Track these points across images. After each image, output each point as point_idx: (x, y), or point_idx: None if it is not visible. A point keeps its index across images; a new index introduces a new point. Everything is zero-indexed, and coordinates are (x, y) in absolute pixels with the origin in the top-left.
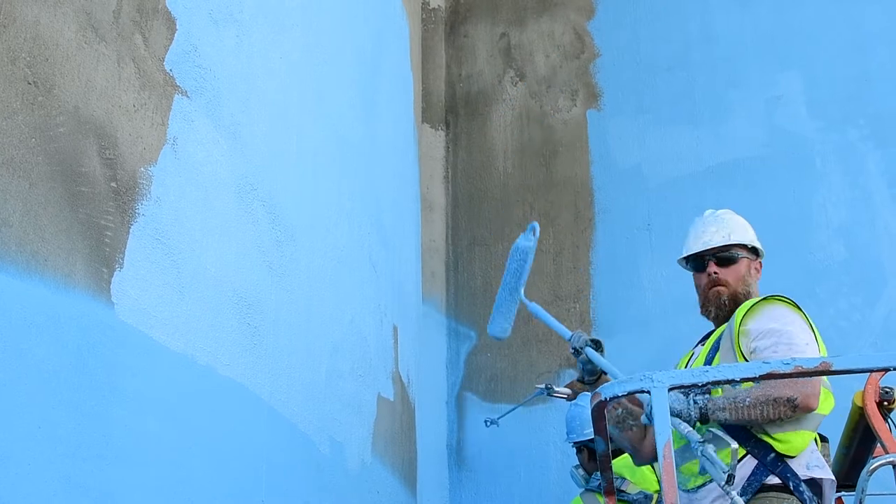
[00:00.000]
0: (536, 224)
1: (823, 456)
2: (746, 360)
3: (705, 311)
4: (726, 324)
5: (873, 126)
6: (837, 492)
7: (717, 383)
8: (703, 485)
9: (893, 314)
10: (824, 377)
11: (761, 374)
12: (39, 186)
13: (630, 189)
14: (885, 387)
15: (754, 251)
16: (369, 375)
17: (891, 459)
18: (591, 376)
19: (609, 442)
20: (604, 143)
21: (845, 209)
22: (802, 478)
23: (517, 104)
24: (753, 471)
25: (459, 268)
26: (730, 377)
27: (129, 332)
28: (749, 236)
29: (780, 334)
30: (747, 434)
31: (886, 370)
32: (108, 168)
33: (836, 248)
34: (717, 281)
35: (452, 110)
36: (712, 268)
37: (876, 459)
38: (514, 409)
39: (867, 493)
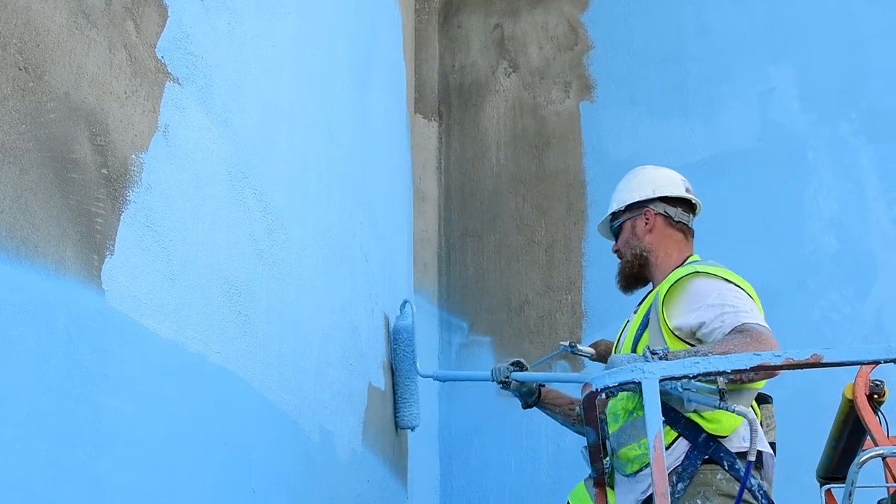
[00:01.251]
0: (408, 300)
1: (767, 418)
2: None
3: (619, 286)
4: (654, 293)
5: (866, 120)
6: (826, 483)
7: (707, 374)
8: (640, 470)
9: (885, 307)
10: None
11: (752, 365)
12: (30, 173)
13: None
14: (876, 380)
15: (641, 203)
16: (360, 364)
17: (880, 452)
18: (531, 396)
19: (599, 432)
20: (597, 134)
21: (837, 202)
22: (736, 451)
23: (510, 95)
24: (686, 454)
25: (452, 259)
26: (721, 368)
27: (119, 319)
28: (626, 195)
29: (723, 302)
30: (676, 415)
31: (877, 363)
32: (100, 155)
33: (828, 241)
34: (618, 255)
35: (445, 101)
36: (614, 245)
37: (866, 452)
38: (539, 363)
39: (857, 485)
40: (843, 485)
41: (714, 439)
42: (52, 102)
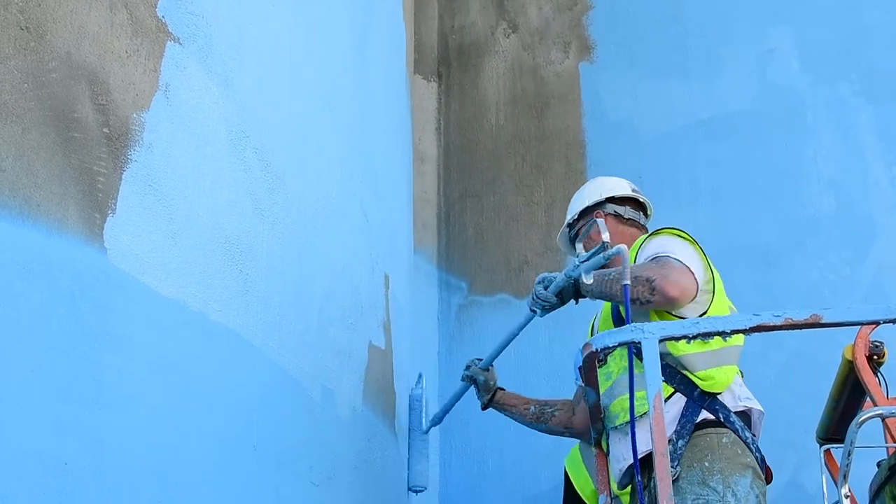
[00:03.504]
0: (422, 374)
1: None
2: None
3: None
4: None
5: (865, 81)
6: (826, 444)
7: (707, 335)
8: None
9: (883, 269)
10: (712, 286)
11: (751, 325)
12: (32, 132)
13: (621, 142)
14: (875, 341)
15: (591, 208)
16: (361, 324)
17: (879, 412)
18: (487, 393)
19: (599, 393)
20: (596, 95)
21: (836, 164)
22: (733, 409)
23: (509, 56)
24: (684, 409)
25: (451, 219)
26: (720, 329)
27: (121, 277)
28: (577, 205)
29: (660, 249)
30: (672, 371)
31: (876, 324)
32: (101, 114)
33: (827, 203)
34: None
35: (445, 62)
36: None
37: (865, 412)
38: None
39: (856, 445)
40: (842, 445)
41: (709, 395)
42: (54, 62)
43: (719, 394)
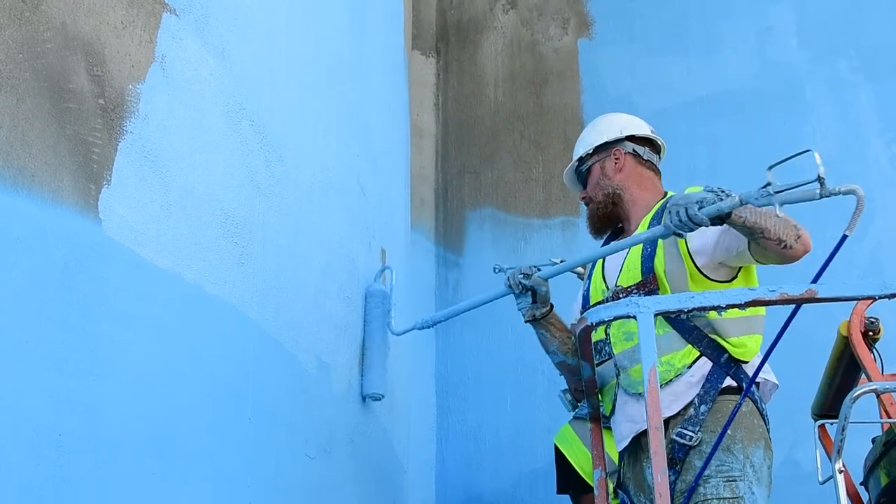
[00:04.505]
0: (389, 267)
1: None
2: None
3: (590, 231)
4: (649, 217)
5: (865, 58)
6: (820, 419)
7: (702, 309)
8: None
9: (881, 247)
10: None
11: (747, 300)
12: (27, 102)
13: None
14: (871, 317)
15: (609, 144)
16: (357, 297)
17: (874, 387)
18: (545, 306)
19: (594, 367)
20: (594, 71)
21: (835, 141)
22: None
23: (508, 32)
24: (709, 374)
25: (449, 195)
26: (715, 304)
27: (116, 248)
28: (594, 138)
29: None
30: (700, 334)
31: (872, 299)
32: (96, 85)
33: (826, 180)
34: (587, 201)
35: (443, 37)
36: (582, 192)
37: (859, 387)
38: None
39: (850, 420)
40: (837, 421)
41: (735, 361)
42: (49, 32)
43: (747, 362)
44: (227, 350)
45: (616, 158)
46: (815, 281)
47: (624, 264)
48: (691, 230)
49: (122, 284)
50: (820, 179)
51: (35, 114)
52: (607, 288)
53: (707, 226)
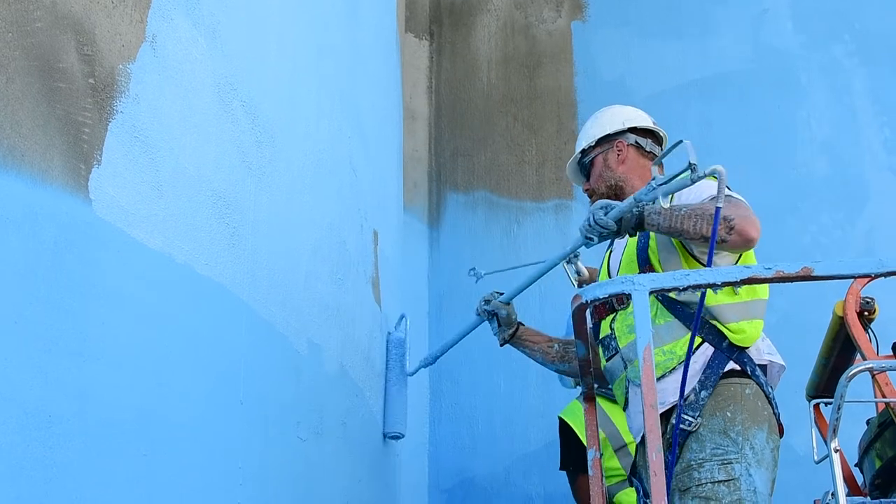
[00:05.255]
0: (405, 315)
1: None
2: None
3: None
4: None
5: (859, 42)
6: (815, 399)
7: (697, 286)
8: (661, 377)
9: (874, 231)
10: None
11: (742, 278)
12: (16, 81)
13: (614, 101)
14: (866, 297)
15: (611, 136)
16: (348, 279)
17: (869, 366)
18: (509, 328)
19: (589, 346)
20: (588, 54)
21: (829, 125)
22: (758, 363)
23: (502, 14)
24: (710, 359)
25: (442, 178)
26: (711, 281)
27: (106, 229)
28: (597, 130)
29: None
30: (701, 321)
31: (868, 276)
32: (86, 64)
33: (820, 164)
34: (590, 193)
35: (437, 20)
36: (585, 185)
37: (855, 366)
38: (508, 270)
39: (845, 399)
40: (832, 401)
41: (737, 347)
42: (39, 11)
43: (747, 348)
44: (218, 331)
45: (619, 150)
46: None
47: (622, 259)
48: (601, 235)
49: (113, 265)
50: (691, 166)
51: (25, 93)
52: None
53: (614, 229)
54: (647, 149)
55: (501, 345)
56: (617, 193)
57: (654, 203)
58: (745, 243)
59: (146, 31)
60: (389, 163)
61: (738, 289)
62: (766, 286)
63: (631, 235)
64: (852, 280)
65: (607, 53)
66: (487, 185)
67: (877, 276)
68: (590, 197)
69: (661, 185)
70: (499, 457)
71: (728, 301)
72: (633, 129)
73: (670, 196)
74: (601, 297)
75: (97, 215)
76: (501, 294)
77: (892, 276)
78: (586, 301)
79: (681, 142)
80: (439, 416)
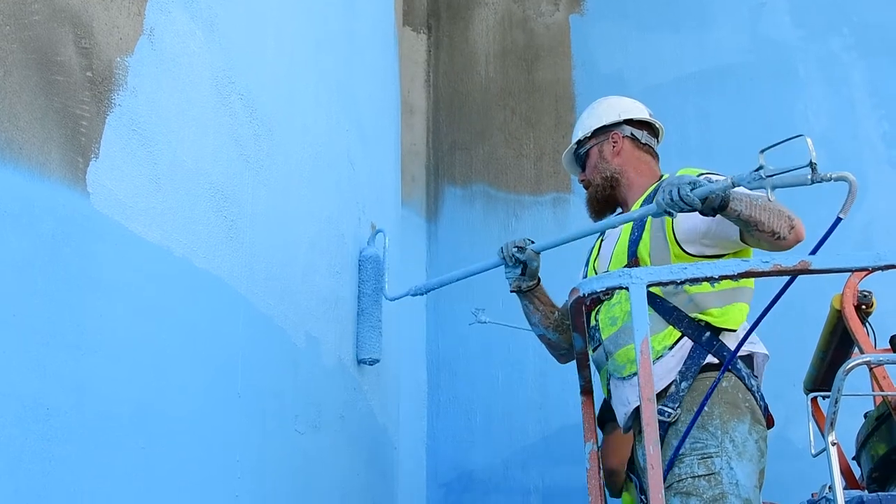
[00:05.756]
0: (382, 230)
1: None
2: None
3: (590, 214)
4: (642, 200)
5: (857, 35)
6: (813, 392)
7: (694, 280)
8: (636, 374)
9: (873, 223)
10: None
11: (740, 272)
12: (14, 74)
13: (612, 94)
14: (864, 290)
15: (607, 128)
16: (346, 272)
17: (867, 359)
18: (533, 279)
19: (586, 339)
20: (586, 48)
21: (827, 118)
22: (738, 354)
23: (499, 8)
24: (690, 353)
25: (440, 171)
26: (708, 275)
27: (104, 222)
28: (592, 122)
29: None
30: (680, 315)
31: (865, 270)
32: (84, 57)
33: (818, 157)
34: (585, 184)
35: (434, 14)
36: (580, 175)
37: (852, 359)
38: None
39: (843, 393)
40: (830, 394)
41: (717, 339)
42: (37, 4)
43: (733, 331)
44: (216, 324)
45: (614, 142)
46: None
47: (614, 250)
48: (682, 210)
49: (111, 258)
50: (812, 165)
51: (22, 86)
52: (597, 274)
53: (698, 208)
54: (643, 141)
55: (512, 291)
56: (612, 185)
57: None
58: (796, 243)
59: (144, 23)
60: (387, 156)
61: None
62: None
63: (708, 215)
64: (850, 273)
65: (605, 46)
66: (485, 178)
67: (874, 269)
68: (585, 188)
69: (770, 175)
70: (497, 449)
71: (710, 290)
72: (629, 121)
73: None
74: (598, 290)
75: (95, 208)
76: (532, 243)
77: (889, 270)
78: (584, 294)
79: (801, 136)
80: (437, 409)
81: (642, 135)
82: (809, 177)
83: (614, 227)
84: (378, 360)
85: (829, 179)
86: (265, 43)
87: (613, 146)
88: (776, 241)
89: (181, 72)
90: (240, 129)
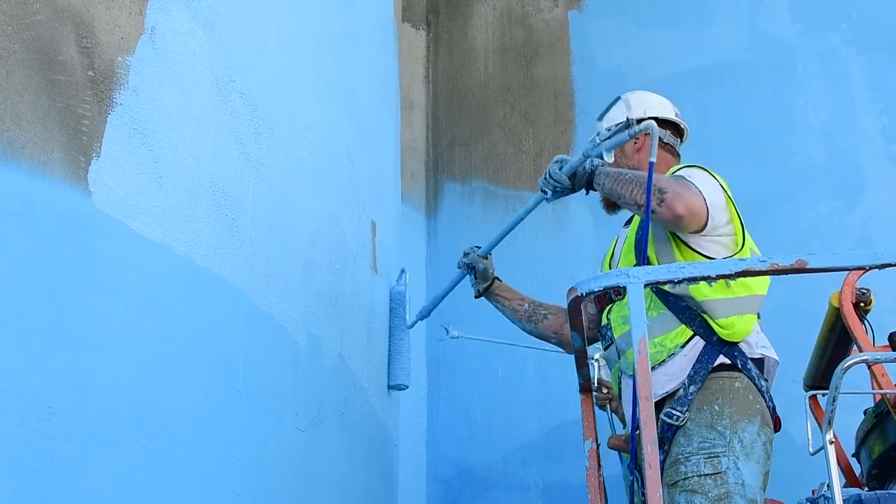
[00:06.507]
0: (405, 270)
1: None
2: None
3: (603, 207)
4: None
5: (856, 31)
6: (811, 390)
7: (692, 279)
8: (651, 369)
9: (872, 219)
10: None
11: (737, 270)
12: (16, 74)
13: (611, 90)
14: (862, 288)
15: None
16: (347, 270)
17: (865, 357)
18: (485, 282)
19: (584, 338)
20: (585, 44)
21: (826, 113)
22: (749, 356)
23: (498, 4)
24: (702, 353)
25: (439, 167)
26: (706, 273)
27: (106, 221)
28: (617, 115)
29: (685, 174)
30: (692, 313)
31: (862, 269)
32: (86, 57)
33: (817, 152)
34: None
35: (434, 10)
36: None
37: (850, 357)
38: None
39: (841, 391)
40: (828, 392)
41: (727, 341)
42: (38, 4)
43: (735, 343)
44: (217, 322)
45: (636, 139)
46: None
47: (623, 249)
48: (555, 189)
49: (112, 257)
50: (628, 121)
51: (25, 86)
52: None
53: (567, 185)
54: (665, 140)
55: (476, 297)
56: None
57: (599, 158)
58: (673, 219)
59: (145, 23)
60: (387, 153)
61: (732, 284)
62: (762, 283)
63: (585, 193)
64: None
65: (604, 42)
66: (485, 174)
67: (871, 268)
68: None
69: (603, 140)
70: (497, 446)
71: (720, 296)
72: (654, 119)
73: (613, 151)
74: (596, 289)
75: (97, 207)
76: (479, 248)
77: (886, 269)
78: (581, 294)
79: (618, 98)
80: (437, 406)
81: (665, 134)
82: (627, 132)
83: (523, 218)
84: (407, 387)
85: (640, 131)
86: (265, 41)
87: (634, 142)
88: (643, 214)
89: (182, 71)
90: (240, 128)
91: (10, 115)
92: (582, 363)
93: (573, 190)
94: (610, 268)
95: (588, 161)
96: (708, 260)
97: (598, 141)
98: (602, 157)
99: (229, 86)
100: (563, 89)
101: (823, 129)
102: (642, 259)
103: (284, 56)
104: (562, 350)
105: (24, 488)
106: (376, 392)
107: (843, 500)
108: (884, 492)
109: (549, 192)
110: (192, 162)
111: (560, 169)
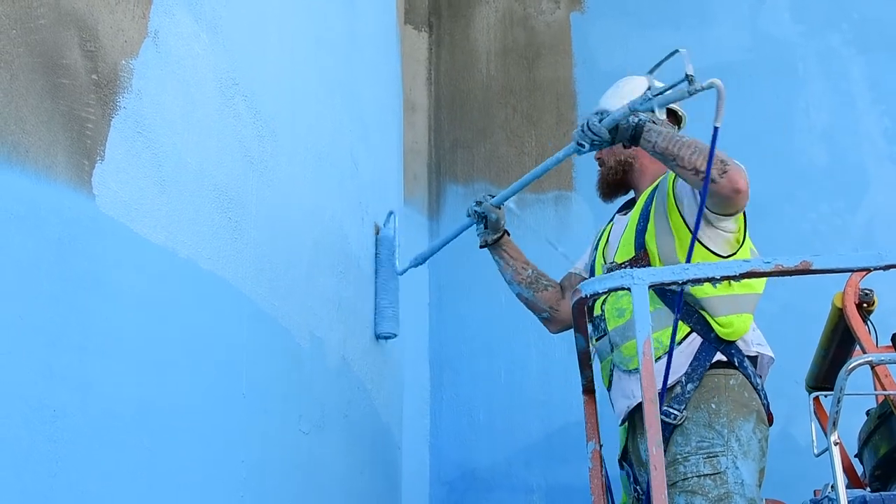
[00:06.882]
0: (393, 211)
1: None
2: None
3: (599, 195)
4: (651, 188)
5: (857, 31)
6: (815, 391)
7: (696, 281)
8: None
9: (874, 219)
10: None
11: (742, 272)
12: (20, 78)
13: None
14: (865, 288)
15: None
16: (350, 272)
17: (869, 359)
18: (496, 232)
19: (588, 339)
20: (587, 45)
21: (828, 114)
22: (746, 354)
23: (500, 6)
24: (699, 350)
25: (442, 170)
26: (710, 275)
27: (110, 224)
28: (615, 102)
29: None
30: (689, 310)
31: (866, 270)
32: (90, 60)
33: (818, 153)
34: (600, 162)
35: (435, 12)
36: (596, 153)
37: (854, 359)
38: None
39: (845, 392)
40: (832, 393)
41: (725, 340)
42: (42, 8)
43: (733, 342)
44: (220, 325)
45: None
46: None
47: (621, 239)
48: (591, 141)
49: (116, 260)
50: (688, 77)
51: (29, 90)
52: (605, 262)
53: (607, 138)
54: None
55: (481, 246)
56: (625, 169)
57: (650, 112)
58: (733, 193)
59: (148, 26)
60: (390, 155)
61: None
62: (761, 281)
63: (625, 146)
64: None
65: (606, 44)
66: (487, 176)
67: (875, 269)
68: (600, 166)
69: (656, 94)
70: (500, 448)
71: (720, 293)
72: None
73: (664, 108)
74: (601, 291)
75: (100, 211)
76: (493, 196)
77: (890, 269)
78: (586, 295)
79: (677, 51)
80: (440, 407)
81: (662, 121)
82: (687, 89)
83: (548, 169)
84: (396, 335)
85: (702, 88)
86: (269, 45)
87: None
88: (700, 181)
89: (185, 74)
90: (244, 131)
91: (14, 118)
92: (585, 364)
93: (612, 143)
94: (604, 256)
95: (632, 116)
96: (710, 253)
97: (650, 95)
98: (654, 111)
99: (232, 89)
100: (566, 91)
101: (825, 129)
102: (640, 252)
103: (287, 59)
104: (545, 325)
105: (29, 490)
106: (379, 394)
107: (848, 502)
108: (888, 493)
109: (587, 145)
110: (196, 165)
111: (600, 121)
